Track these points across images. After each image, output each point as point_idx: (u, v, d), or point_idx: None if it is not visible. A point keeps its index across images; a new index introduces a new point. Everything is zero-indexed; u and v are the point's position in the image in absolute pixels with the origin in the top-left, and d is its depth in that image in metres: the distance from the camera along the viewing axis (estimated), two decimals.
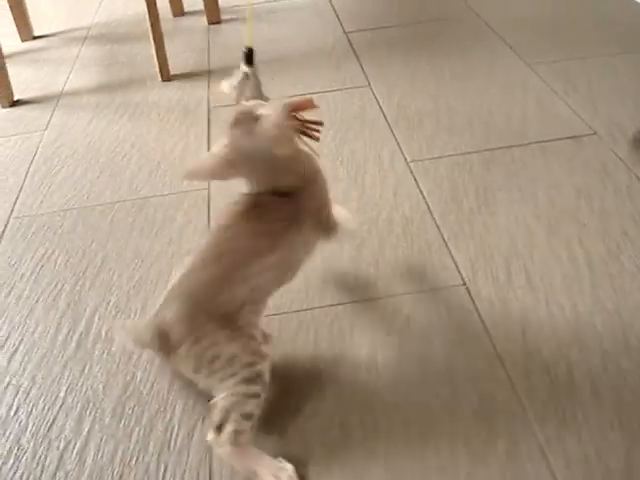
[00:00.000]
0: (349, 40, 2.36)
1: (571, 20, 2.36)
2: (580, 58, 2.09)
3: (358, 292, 1.34)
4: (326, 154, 1.75)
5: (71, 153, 1.88)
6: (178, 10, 2.73)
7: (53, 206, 1.67)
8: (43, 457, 1.10)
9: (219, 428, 1.01)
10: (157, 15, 2.17)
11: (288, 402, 1.14)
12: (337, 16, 2.56)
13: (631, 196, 1.53)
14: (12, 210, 1.68)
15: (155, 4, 2.16)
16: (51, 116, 2.09)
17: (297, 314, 1.30)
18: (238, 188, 1.14)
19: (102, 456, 1.09)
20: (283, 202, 1.11)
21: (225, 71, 2.24)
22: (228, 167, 1.07)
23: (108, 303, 1.37)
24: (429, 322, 1.26)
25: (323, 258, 1.42)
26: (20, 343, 1.31)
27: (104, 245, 1.53)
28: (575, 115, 1.81)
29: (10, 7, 2.61)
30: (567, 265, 1.37)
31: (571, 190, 1.56)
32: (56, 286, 1.43)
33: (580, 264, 1.37)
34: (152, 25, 2.17)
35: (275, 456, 1.04)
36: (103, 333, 1.31)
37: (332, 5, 2.67)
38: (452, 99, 1.94)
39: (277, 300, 1.33)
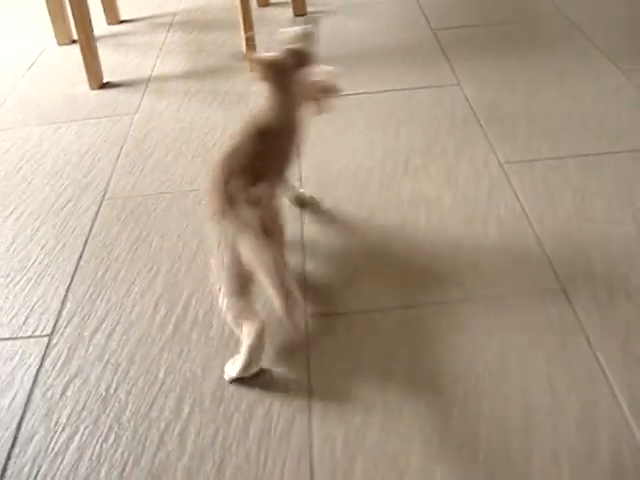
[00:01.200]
0: (436, 37, 2.34)
1: None
2: None
3: (456, 292, 1.33)
4: (417, 150, 1.75)
5: (162, 137, 1.90)
6: (263, 0, 2.74)
7: (146, 189, 1.69)
8: (144, 437, 1.12)
9: None
10: (249, 5, 2.18)
11: (387, 402, 1.14)
12: (423, 13, 2.54)
13: None
14: (105, 191, 1.70)
15: None
16: (141, 100, 2.11)
17: (398, 311, 1.30)
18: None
19: (203, 439, 1.10)
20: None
21: None
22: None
23: (205, 287, 1.38)
24: (530, 327, 1.25)
25: (421, 256, 1.42)
26: (118, 323, 1.33)
27: (199, 230, 1.54)
28: None
29: None
30: None
31: None
32: (152, 268, 1.45)
33: None
34: (243, 15, 2.19)
35: None
36: (200, 317, 1.32)
37: (418, 2, 2.65)
38: (544, 102, 1.92)
39: (377, 297, 1.33)
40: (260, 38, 2.41)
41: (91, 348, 1.28)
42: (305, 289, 1.36)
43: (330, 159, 1.75)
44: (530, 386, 1.14)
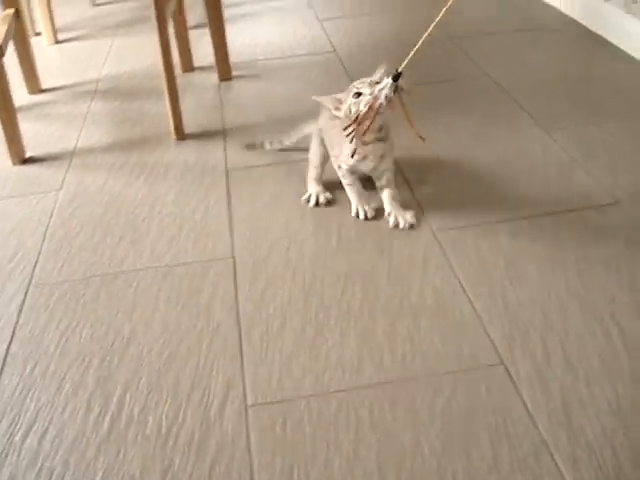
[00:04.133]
0: None
1: (582, 83, 2.38)
2: (596, 123, 2.11)
3: (396, 370, 1.32)
4: (350, 220, 1.74)
5: (89, 215, 1.86)
6: (188, 65, 2.73)
7: (75, 273, 1.64)
8: None
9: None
10: (173, 71, 2.16)
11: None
12: (347, 74, 2.56)
13: None
14: (32, 276, 1.64)
15: (171, 60, 2.15)
16: (65, 175, 2.06)
17: (336, 395, 1.28)
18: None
19: None
20: None
21: (241, 130, 2.23)
22: None
23: (139, 380, 1.34)
24: (470, 404, 1.24)
25: (356, 334, 1.40)
26: (50, 423, 1.27)
27: (130, 316, 1.50)
28: (597, 184, 1.82)
29: (19, 58, 2.59)
30: (603, 342, 1.36)
31: (599, 262, 1.56)
32: (83, 360, 1.40)
33: (615, 342, 1.35)
34: (168, 82, 2.16)
35: None
36: (136, 414, 1.27)
37: (342, 63, 2.68)
38: (473, 165, 1.94)
39: (314, 380, 1.31)
40: (187, 105, 2.40)
41: (23, 453, 1.22)
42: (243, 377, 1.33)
43: (262, 232, 1.73)
44: (475, 466, 1.13)
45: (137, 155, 2.14)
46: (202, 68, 2.74)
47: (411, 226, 1.70)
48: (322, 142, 1.83)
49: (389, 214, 1.73)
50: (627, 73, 2.43)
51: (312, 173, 1.86)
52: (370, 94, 1.57)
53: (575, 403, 1.23)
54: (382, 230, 1.71)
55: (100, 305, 1.54)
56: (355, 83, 1.64)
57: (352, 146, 1.64)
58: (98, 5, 3.73)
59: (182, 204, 1.87)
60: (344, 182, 1.78)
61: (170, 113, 2.19)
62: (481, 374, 1.30)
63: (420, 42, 1.55)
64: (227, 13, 2.89)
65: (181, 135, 2.21)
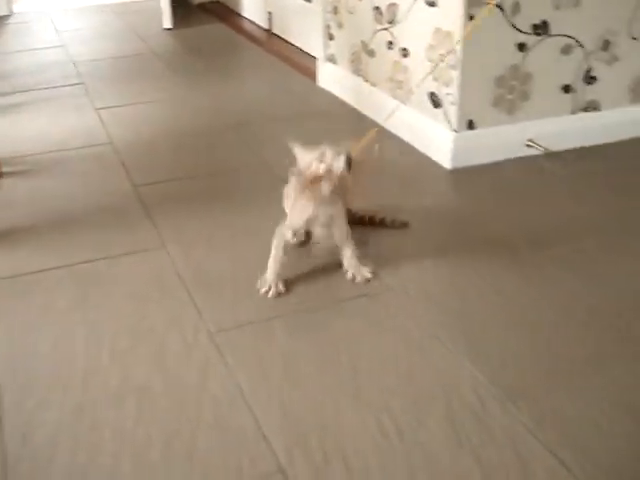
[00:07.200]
0: (139, 195, 2.30)
1: None
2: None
3: None
4: (123, 329, 1.67)
5: None
6: None
7: None
8: None
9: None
10: None
11: None
12: (125, 168, 2.50)
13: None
14: None
15: None
16: None
17: None
18: None
19: None
20: None
21: (9, 234, 2.10)
22: None
23: None
24: None
25: (131, 455, 1.33)
26: None
27: None
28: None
29: None
30: (379, 439, 1.37)
31: (375, 358, 1.58)
32: None
33: (392, 439, 1.37)
34: None
35: None
36: None
37: (119, 155, 2.61)
38: (250, 259, 1.93)
39: None
40: None
41: None
42: None
43: (27, 355, 1.61)
44: None
45: None
46: None
47: (367, 280, 1.82)
48: None
49: (346, 271, 1.84)
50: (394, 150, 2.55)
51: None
52: (330, 159, 1.70)
53: None
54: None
55: None
56: (325, 146, 1.73)
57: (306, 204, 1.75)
58: None
59: None
60: (272, 253, 1.80)
61: None
62: None
63: (370, 134, 1.98)
64: None
65: None
